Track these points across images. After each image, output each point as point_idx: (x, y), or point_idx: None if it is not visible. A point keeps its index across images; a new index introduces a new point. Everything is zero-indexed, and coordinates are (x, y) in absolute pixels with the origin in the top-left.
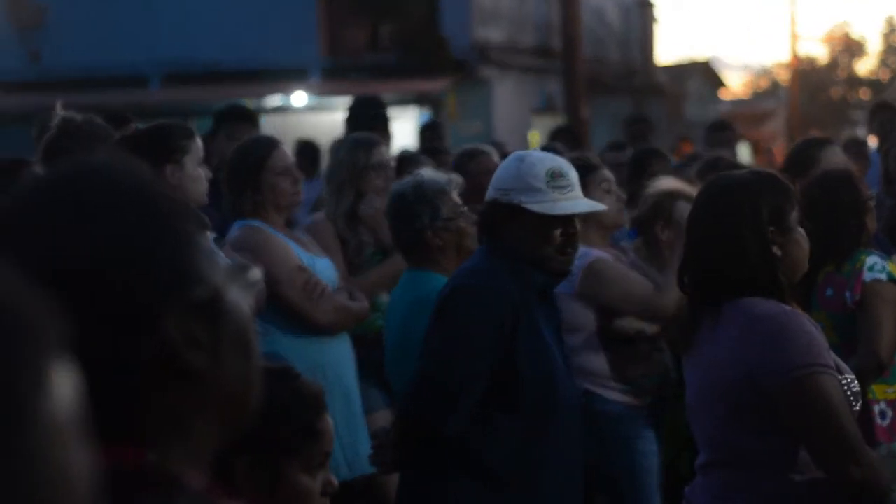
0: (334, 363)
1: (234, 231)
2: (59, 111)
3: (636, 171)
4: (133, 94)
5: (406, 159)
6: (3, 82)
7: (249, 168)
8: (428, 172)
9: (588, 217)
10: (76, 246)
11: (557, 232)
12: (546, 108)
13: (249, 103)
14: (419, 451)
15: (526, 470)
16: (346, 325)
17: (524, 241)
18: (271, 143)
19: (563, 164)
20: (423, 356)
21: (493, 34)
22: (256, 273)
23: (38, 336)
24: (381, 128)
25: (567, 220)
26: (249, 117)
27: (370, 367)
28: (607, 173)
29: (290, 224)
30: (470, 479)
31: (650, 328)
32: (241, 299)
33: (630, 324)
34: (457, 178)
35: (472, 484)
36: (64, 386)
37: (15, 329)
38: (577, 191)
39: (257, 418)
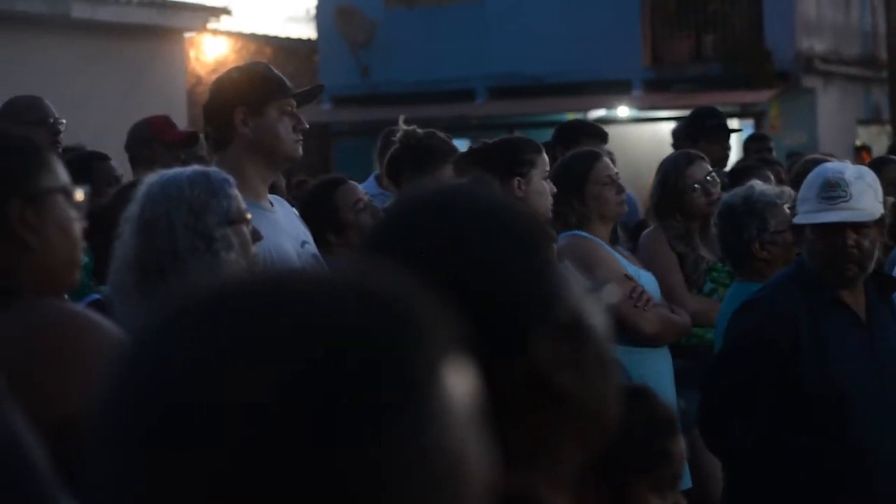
0: (654, 374)
1: (561, 241)
2: (402, 125)
3: None
4: (459, 107)
5: (739, 171)
6: (336, 97)
7: (574, 180)
8: (759, 185)
9: None
10: (449, 270)
11: (825, 242)
12: (871, 118)
13: (573, 116)
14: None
15: (826, 490)
16: (669, 338)
17: (807, 252)
18: (594, 155)
19: (846, 174)
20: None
21: (816, 44)
22: (612, 292)
23: (433, 332)
24: (722, 139)
25: (840, 231)
26: (599, 133)
27: (693, 378)
28: None
29: (614, 240)
30: (769, 497)
31: None
32: (599, 318)
33: None
34: (788, 191)
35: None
36: (461, 384)
37: (408, 323)
38: (853, 202)
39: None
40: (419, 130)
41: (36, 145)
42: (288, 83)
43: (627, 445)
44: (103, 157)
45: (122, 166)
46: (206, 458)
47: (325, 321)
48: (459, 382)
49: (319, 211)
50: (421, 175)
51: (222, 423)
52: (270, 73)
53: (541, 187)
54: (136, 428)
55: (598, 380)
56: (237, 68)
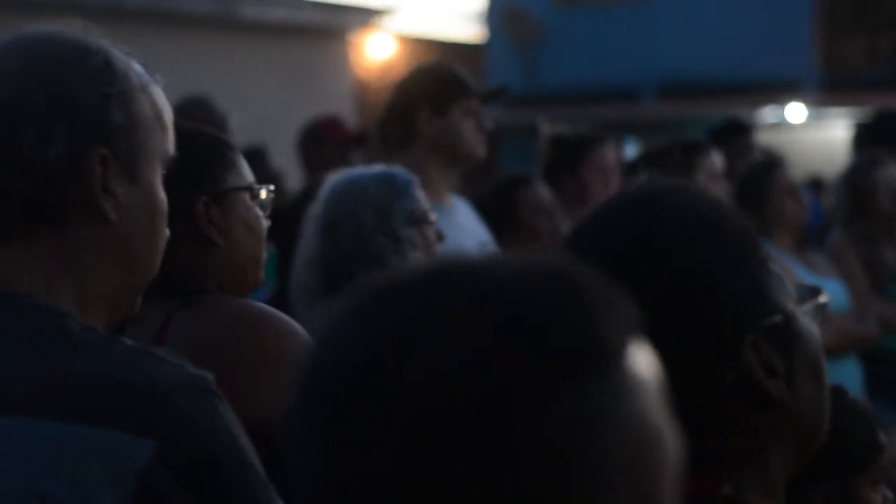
0: (842, 383)
1: None
2: (547, 127)
3: None
4: (626, 108)
5: None
6: (504, 98)
7: (753, 189)
8: None
9: None
10: (661, 274)
11: None
12: None
13: (742, 117)
14: None
15: None
16: (846, 349)
17: None
18: (774, 162)
19: None
20: None
21: None
22: (825, 297)
23: (619, 312)
24: None
25: None
26: (743, 130)
27: (885, 385)
28: None
29: (801, 243)
30: None
31: None
32: (811, 324)
33: None
34: None
35: None
36: (649, 364)
37: (595, 300)
38: None
39: (827, 442)
40: (567, 131)
41: (222, 143)
42: (471, 83)
43: (846, 446)
44: (259, 155)
45: (288, 165)
46: (390, 426)
47: (506, 293)
48: (647, 362)
49: (499, 206)
50: (574, 174)
51: (407, 388)
52: (454, 73)
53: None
54: (322, 398)
55: (808, 387)
56: (421, 68)
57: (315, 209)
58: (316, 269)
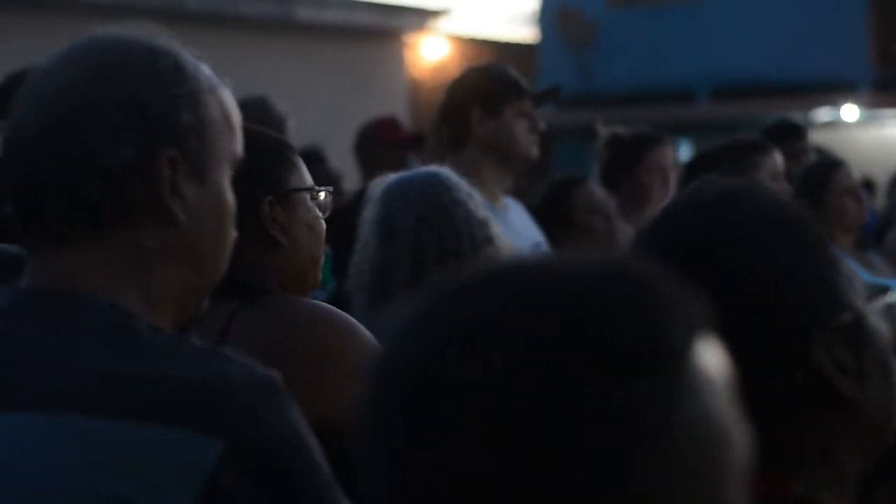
0: None
1: None
2: (602, 128)
3: None
4: (680, 109)
5: None
6: (557, 98)
7: (812, 188)
8: None
9: None
10: (730, 272)
11: None
12: None
13: (796, 117)
14: None
15: None
16: None
17: None
18: (834, 163)
19: None
20: None
21: None
22: (893, 296)
23: (685, 309)
24: None
25: None
26: (797, 132)
27: None
28: None
29: (859, 244)
30: None
31: None
32: (880, 323)
33: None
34: None
35: None
36: (717, 361)
37: (660, 296)
38: None
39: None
40: (624, 132)
41: (285, 146)
42: (524, 84)
43: None
44: (320, 159)
45: (344, 167)
46: (454, 424)
47: (571, 290)
48: (715, 359)
49: (554, 206)
50: (631, 175)
51: (470, 386)
52: (507, 75)
53: None
54: (389, 401)
55: (878, 386)
56: (474, 69)
57: (373, 211)
58: (375, 269)
